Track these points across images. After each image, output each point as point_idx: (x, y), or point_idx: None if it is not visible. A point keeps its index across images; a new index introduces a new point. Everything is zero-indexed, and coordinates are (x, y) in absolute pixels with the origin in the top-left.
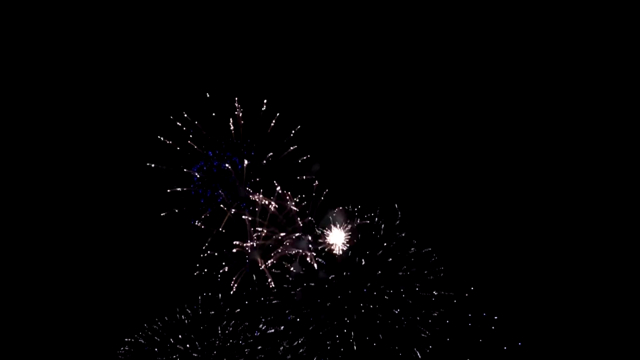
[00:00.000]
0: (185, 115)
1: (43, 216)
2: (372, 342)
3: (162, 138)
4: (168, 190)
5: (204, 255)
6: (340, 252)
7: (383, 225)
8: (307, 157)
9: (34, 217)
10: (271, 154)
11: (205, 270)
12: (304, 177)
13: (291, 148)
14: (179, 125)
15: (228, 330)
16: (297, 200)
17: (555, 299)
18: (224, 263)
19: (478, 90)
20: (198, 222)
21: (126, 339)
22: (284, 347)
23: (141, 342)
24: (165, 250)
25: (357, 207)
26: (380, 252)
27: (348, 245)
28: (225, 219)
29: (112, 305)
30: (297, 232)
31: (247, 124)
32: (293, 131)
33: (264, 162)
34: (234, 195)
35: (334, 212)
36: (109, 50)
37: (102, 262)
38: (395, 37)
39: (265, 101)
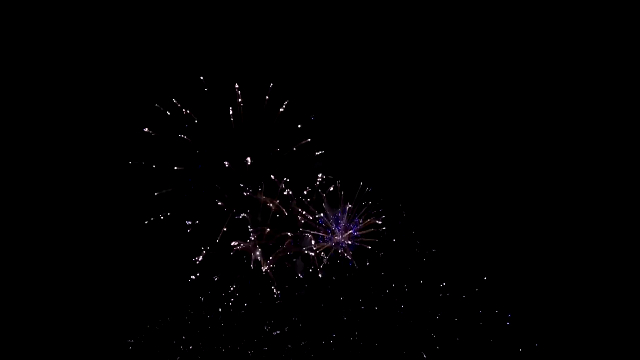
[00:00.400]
0: (176, 103)
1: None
2: (377, 344)
3: (148, 131)
4: (156, 193)
5: (204, 255)
6: (344, 252)
7: (385, 228)
8: (322, 153)
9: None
10: (278, 149)
11: (206, 271)
12: (324, 179)
13: (304, 141)
14: (168, 115)
15: (231, 331)
16: (301, 198)
17: (574, 295)
18: (226, 264)
19: (483, 92)
20: (197, 223)
21: (129, 340)
22: (288, 348)
23: (143, 343)
24: (166, 251)
25: (363, 204)
26: (383, 252)
27: (352, 245)
28: (227, 220)
29: (113, 306)
30: (300, 231)
31: (250, 113)
32: (312, 117)
33: (269, 155)
34: (235, 194)
35: (338, 211)
36: (76, 28)
37: (102, 263)
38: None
39: (271, 85)
